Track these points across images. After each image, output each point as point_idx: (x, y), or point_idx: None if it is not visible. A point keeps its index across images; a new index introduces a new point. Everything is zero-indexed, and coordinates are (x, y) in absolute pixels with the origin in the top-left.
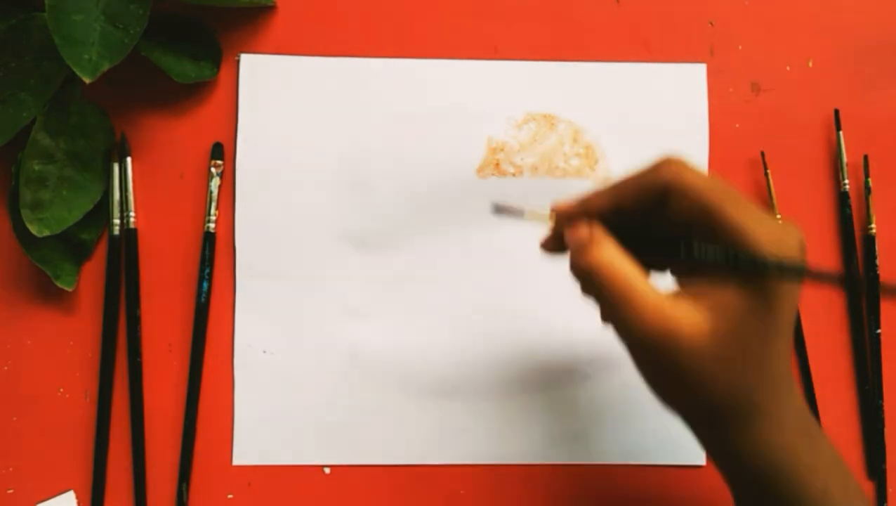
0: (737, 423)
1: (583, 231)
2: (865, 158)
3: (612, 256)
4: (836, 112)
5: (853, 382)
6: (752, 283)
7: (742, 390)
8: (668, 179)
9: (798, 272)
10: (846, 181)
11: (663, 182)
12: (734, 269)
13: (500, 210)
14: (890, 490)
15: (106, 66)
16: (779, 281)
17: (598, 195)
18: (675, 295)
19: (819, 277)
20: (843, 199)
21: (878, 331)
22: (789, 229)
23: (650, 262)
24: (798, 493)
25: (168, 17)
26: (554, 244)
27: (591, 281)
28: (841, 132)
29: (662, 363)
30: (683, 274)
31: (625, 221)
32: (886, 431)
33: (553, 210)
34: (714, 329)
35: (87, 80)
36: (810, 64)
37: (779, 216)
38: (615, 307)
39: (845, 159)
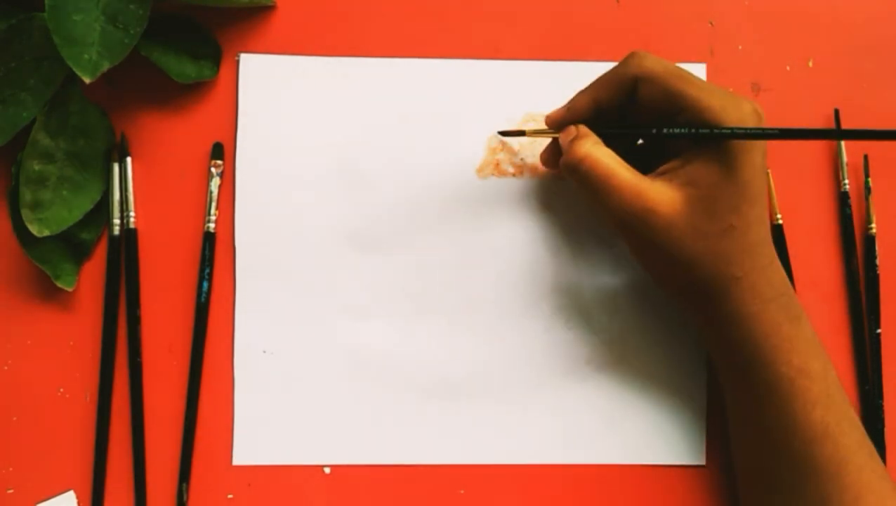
0: (717, 294)
1: (570, 129)
2: (865, 157)
3: (594, 147)
4: (836, 112)
5: (853, 382)
6: (715, 152)
7: (719, 260)
8: (636, 69)
9: (748, 134)
10: (846, 181)
11: (632, 74)
12: (695, 139)
13: (504, 134)
14: None
15: (106, 66)
16: (739, 148)
17: (580, 95)
18: (652, 177)
19: (763, 135)
20: (843, 199)
21: (878, 331)
22: (742, 100)
23: (632, 163)
24: (776, 370)
25: (168, 17)
26: (550, 156)
27: (578, 171)
28: None
29: (645, 239)
30: (660, 163)
31: (605, 118)
32: (886, 431)
33: (546, 119)
34: (686, 203)
35: (87, 80)
36: (810, 64)
37: (779, 216)
38: (599, 192)
39: (845, 159)
